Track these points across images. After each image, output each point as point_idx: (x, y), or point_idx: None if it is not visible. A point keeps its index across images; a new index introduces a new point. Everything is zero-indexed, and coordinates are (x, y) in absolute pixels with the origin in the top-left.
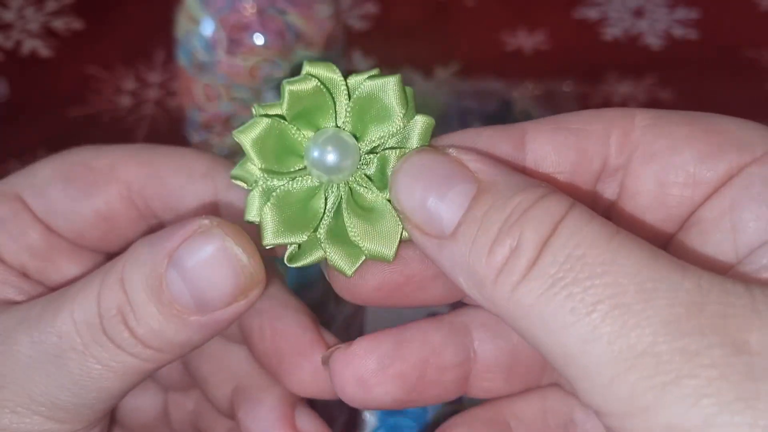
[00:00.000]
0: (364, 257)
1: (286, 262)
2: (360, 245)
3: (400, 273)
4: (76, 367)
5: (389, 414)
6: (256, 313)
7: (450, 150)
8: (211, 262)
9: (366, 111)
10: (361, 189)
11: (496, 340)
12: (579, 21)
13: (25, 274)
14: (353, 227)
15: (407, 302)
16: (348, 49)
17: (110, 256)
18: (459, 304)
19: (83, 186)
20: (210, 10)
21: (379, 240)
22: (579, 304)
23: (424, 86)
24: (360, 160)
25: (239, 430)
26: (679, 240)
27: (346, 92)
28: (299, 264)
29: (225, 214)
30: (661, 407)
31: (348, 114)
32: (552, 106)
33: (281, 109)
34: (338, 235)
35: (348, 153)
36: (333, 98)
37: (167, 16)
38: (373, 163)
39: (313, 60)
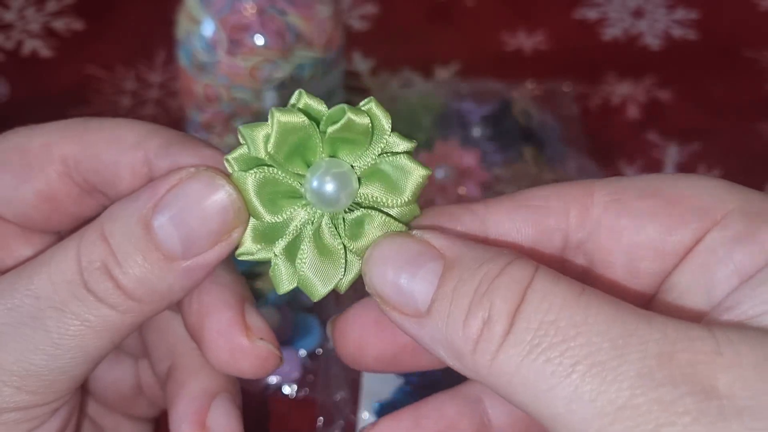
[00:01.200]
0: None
1: (236, 254)
2: (300, 271)
3: (394, 343)
4: (54, 326)
5: None
6: None
7: (415, 232)
8: (202, 198)
9: (344, 139)
10: (330, 229)
11: (507, 407)
12: (579, 21)
13: None
14: (304, 254)
15: (406, 368)
16: (348, 49)
17: (60, 235)
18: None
19: (20, 170)
20: (210, 10)
21: (318, 276)
22: (558, 368)
23: (424, 86)
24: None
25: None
26: (657, 299)
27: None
28: (246, 259)
29: None
30: None
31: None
32: (551, 106)
33: (262, 149)
34: (291, 254)
35: (348, 181)
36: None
37: (168, 17)
38: (354, 212)
39: (279, 108)
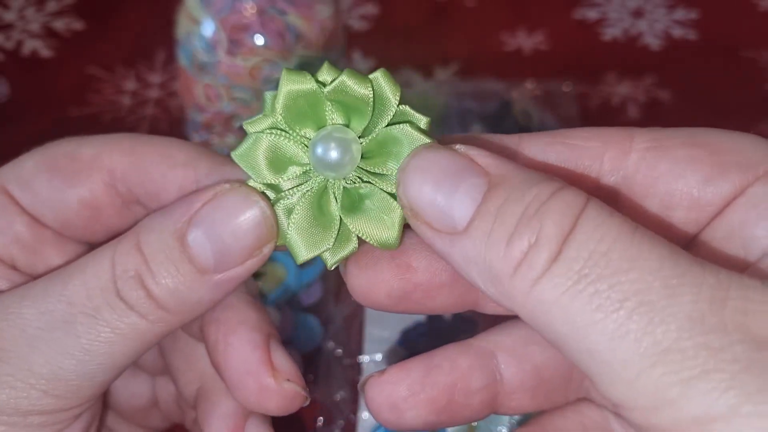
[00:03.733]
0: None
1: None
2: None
3: (408, 281)
4: (85, 332)
5: None
6: (215, 322)
7: (458, 146)
8: (236, 214)
9: (354, 107)
10: (326, 196)
11: (520, 363)
12: (578, 21)
13: (13, 266)
14: (296, 215)
15: (416, 309)
16: (348, 49)
17: (93, 246)
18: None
19: (67, 176)
20: (210, 10)
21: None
22: (605, 302)
23: (424, 86)
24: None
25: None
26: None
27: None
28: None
29: None
30: (686, 400)
31: (333, 111)
32: (551, 106)
33: (272, 117)
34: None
35: (348, 148)
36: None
37: (168, 17)
38: (356, 185)
39: (290, 69)
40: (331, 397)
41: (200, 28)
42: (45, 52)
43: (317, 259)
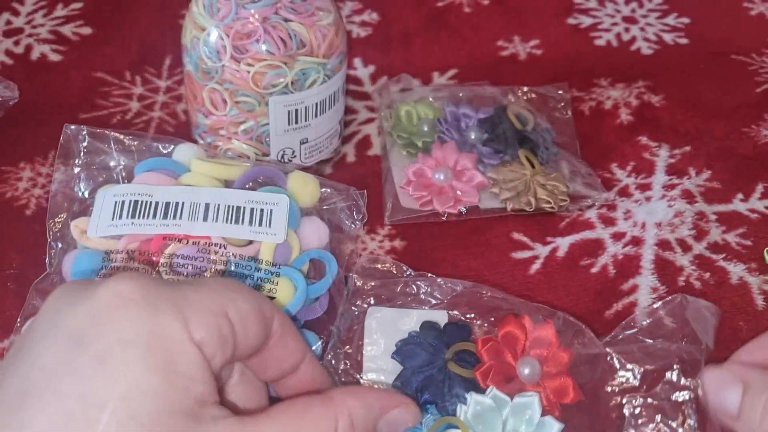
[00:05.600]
0: None
1: None
2: None
3: None
4: None
5: None
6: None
7: (725, 365)
8: (403, 425)
9: None
10: None
11: None
12: (572, 27)
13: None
14: None
15: None
16: (349, 55)
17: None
18: None
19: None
20: (215, 18)
21: None
22: None
23: (423, 91)
24: None
25: None
26: None
27: None
28: None
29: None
30: None
31: None
32: (546, 110)
33: None
34: None
35: None
36: None
37: (174, 23)
38: None
39: None
40: None
41: (205, 35)
42: (53, 56)
43: (328, 273)
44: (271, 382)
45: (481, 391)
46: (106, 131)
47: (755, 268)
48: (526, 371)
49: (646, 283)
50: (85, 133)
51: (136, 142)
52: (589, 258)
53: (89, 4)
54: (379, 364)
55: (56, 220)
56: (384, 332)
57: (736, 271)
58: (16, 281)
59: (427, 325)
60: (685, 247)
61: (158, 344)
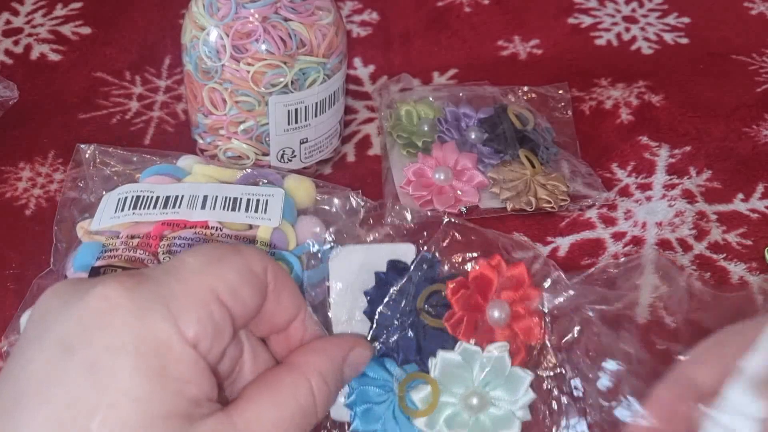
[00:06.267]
0: None
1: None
2: None
3: None
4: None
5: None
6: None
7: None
8: (364, 362)
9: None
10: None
11: None
12: (573, 27)
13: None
14: None
15: None
16: (349, 55)
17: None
18: None
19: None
20: (215, 17)
21: None
22: None
23: (422, 91)
24: None
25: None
26: None
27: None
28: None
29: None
30: None
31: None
32: (546, 109)
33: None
34: None
35: None
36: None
37: (174, 22)
38: None
39: None
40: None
41: (205, 34)
42: (53, 56)
43: (324, 261)
44: (264, 337)
45: (453, 340)
46: (118, 149)
47: (756, 267)
48: (495, 314)
49: (646, 283)
50: (94, 149)
51: (142, 158)
52: (589, 258)
53: (89, 3)
54: (345, 298)
55: (62, 226)
56: (350, 269)
57: (736, 270)
58: (16, 281)
59: (394, 267)
60: (686, 247)
61: (147, 349)
